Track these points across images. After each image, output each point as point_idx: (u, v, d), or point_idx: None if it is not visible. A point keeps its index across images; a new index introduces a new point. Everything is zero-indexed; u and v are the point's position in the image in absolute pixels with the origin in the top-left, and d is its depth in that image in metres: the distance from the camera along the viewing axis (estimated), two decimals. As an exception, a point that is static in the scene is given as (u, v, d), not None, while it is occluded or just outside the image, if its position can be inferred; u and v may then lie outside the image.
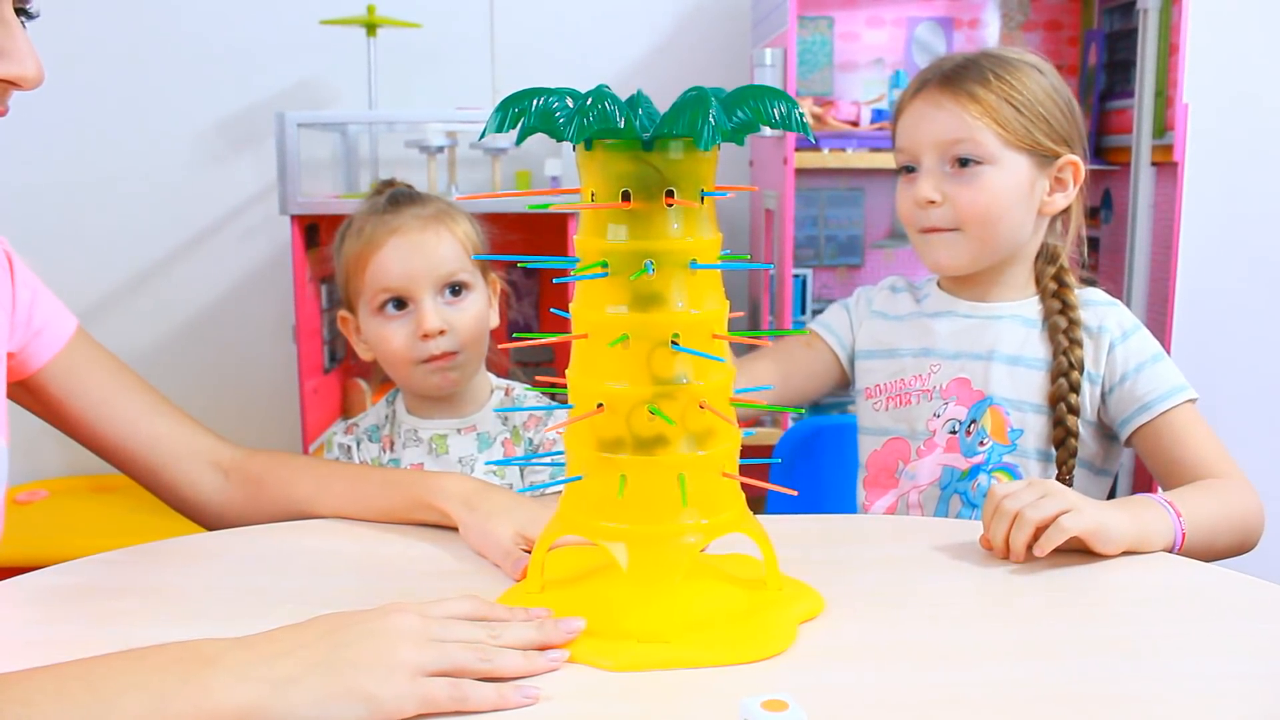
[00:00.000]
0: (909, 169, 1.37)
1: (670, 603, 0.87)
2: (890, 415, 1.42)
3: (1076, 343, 1.34)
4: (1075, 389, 1.33)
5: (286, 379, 2.58)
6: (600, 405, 0.85)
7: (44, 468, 2.65)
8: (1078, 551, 1.03)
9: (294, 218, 2.23)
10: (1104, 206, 2.47)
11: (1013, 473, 1.34)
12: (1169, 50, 2.17)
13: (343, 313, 1.46)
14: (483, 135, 0.84)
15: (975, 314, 1.40)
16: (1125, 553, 1.04)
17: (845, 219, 2.65)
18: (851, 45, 2.57)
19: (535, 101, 0.82)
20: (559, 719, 0.77)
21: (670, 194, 0.83)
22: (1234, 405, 2.34)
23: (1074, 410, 1.33)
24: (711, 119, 0.77)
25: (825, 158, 2.32)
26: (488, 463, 1.41)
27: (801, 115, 0.83)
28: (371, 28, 2.43)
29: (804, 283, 2.44)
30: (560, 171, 2.38)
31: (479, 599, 0.86)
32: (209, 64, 2.62)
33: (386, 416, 1.47)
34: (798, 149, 2.22)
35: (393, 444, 1.44)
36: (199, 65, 2.62)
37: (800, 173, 2.28)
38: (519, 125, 0.83)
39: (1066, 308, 1.36)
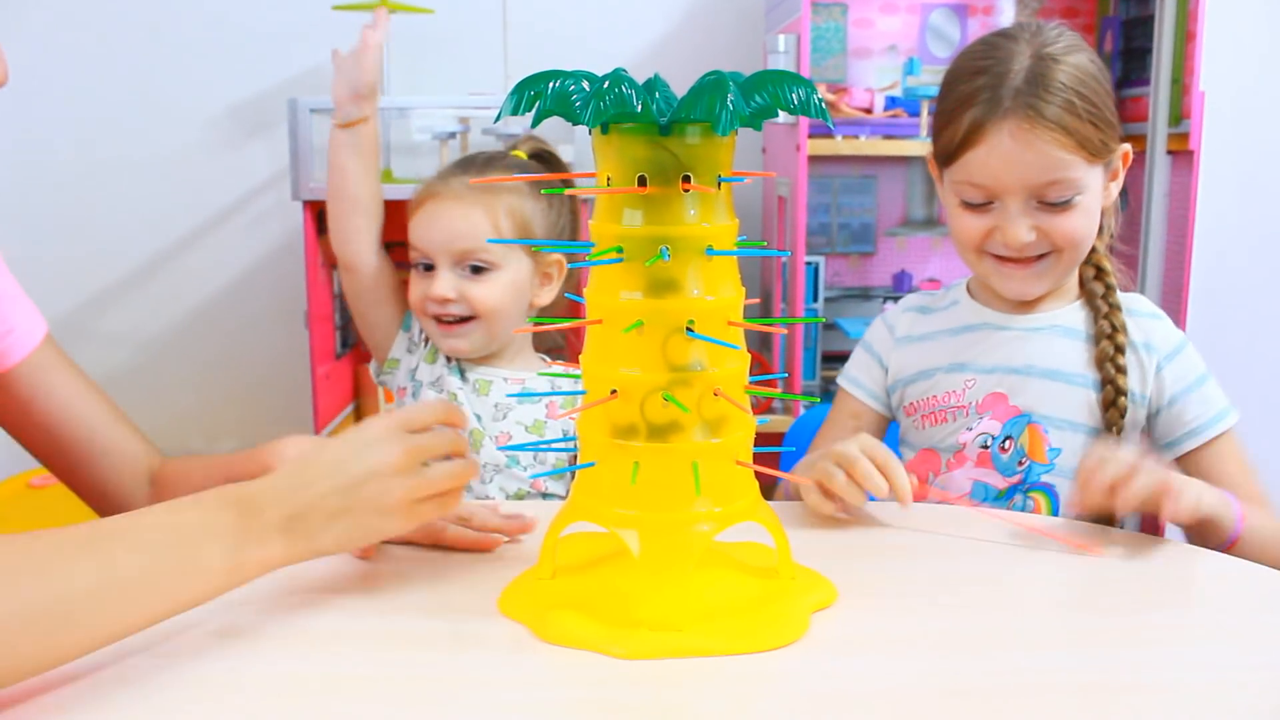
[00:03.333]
0: (977, 202, 1.27)
1: (683, 591, 0.86)
2: (926, 434, 1.36)
3: (1121, 351, 1.28)
4: (1122, 412, 1.27)
5: (298, 364, 2.57)
6: (614, 391, 0.85)
7: (56, 452, 2.65)
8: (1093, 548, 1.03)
9: (306, 203, 2.23)
10: (1119, 194, 2.45)
11: (1050, 494, 1.28)
12: (1186, 37, 2.16)
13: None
14: (498, 118, 0.84)
15: (1011, 326, 1.33)
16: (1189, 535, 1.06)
17: (858, 206, 2.64)
18: (865, 32, 2.55)
19: (551, 84, 0.81)
20: (569, 705, 0.77)
21: (687, 179, 0.82)
22: (1249, 394, 2.31)
23: (1122, 415, 1.27)
24: (730, 103, 0.76)
25: (838, 145, 2.31)
26: (505, 447, 1.42)
27: (820, 100, 0.82)
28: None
29: (816, 270, 2.43)
30: (572, 158, 2.37)
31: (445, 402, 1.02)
32: (221, 49, 2.61)
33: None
34: (811, 136, 2.21)
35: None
36: (211, 50, 2.61)
37: (813, 159, 2.27)
38: (535, 108, 0.82)
39: (1113, 319, 1.29)
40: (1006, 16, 2.53)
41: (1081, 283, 1.34)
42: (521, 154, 1.54)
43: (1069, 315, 1.33)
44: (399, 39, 2.52)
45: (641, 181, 0.82)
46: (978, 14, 2.53)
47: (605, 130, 0.82)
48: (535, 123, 0.85)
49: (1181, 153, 2.18)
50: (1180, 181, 2.18)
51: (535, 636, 0.85)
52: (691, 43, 2.62)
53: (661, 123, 0.80)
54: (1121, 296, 1.33)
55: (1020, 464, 1.29)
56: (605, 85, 0.77)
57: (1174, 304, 2.17)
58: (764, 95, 0.82)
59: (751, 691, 0.78)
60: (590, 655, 0.82)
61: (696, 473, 0.83)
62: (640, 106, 0.78)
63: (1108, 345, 1.28)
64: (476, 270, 1.42)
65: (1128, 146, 1.31)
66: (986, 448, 1.30)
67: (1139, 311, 1.33)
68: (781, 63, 2.26)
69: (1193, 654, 0.84)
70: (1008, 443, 1.29)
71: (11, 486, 2.47)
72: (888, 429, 1.43)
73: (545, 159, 1.57)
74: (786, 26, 2.31)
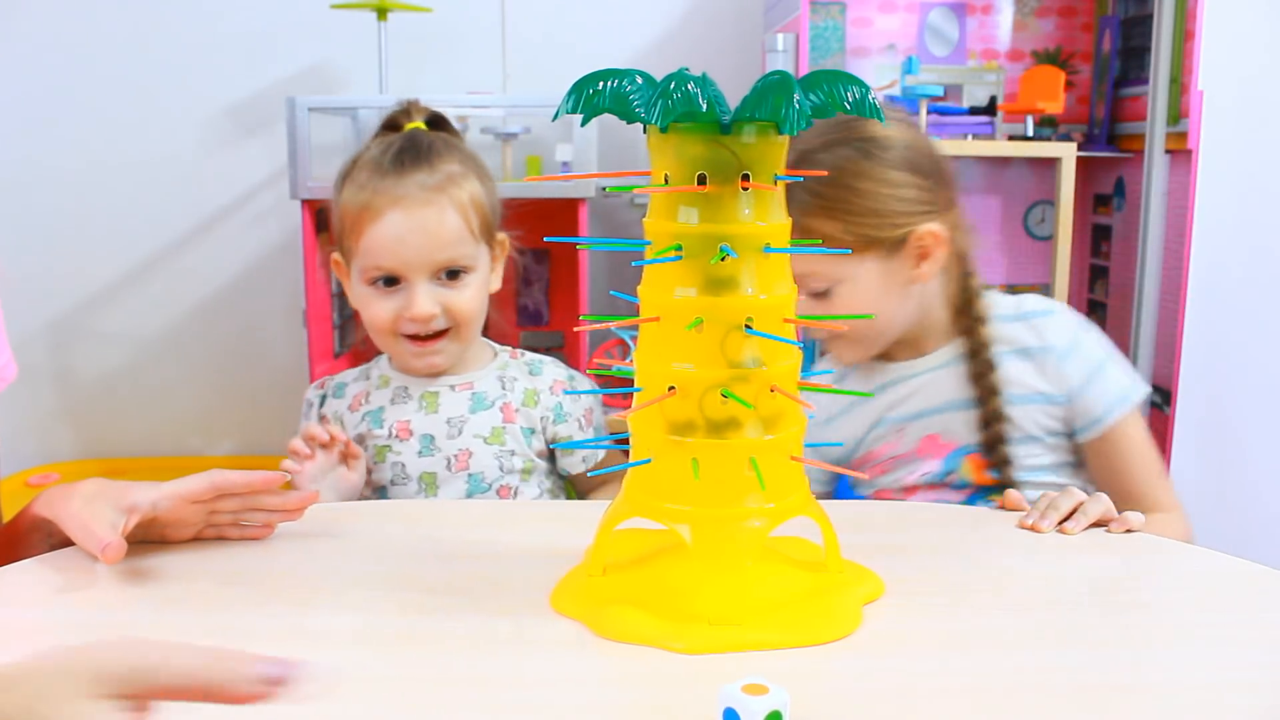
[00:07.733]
0: None
1: (740, 586, 0.87)
2: (875, 481, 1.38)
3: (993, 391, 1.30)
4: (1002, 439, 1.30)
5: (297, 363, 2.57)
6: (672, 388, 0.85)
7: (55, 451, 2.65)
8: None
9: (305, 202, 2.24)
10: (1117, 194, 2.47)
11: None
12: (1184, 36, 2.18)
13: (336, 255, 1.38)
14: (556, 116, 0.84)
15: (914, 372, 1.36)
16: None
17: (856, 205, 2.65)
18: (864, 31, 2.56)
19: (609, 84, 0.82)
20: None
21: (746, 178, 0.83)
22: (1245, 395, 2.34)
23: (1005, 460, 1.31)
24: (797, 103, 0.77)
25: (838, 143, 2.31)
26: (556, 444, 1.38)
27: (875, 100, 0.83)
28: (382, 11, 2.42)
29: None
30: (571, 157, 2.37)
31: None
32: (220, 48, 2.61)
33: (364, 374, 1.41)
34: (811, 135, 2.22)
35: (368, 397, 1.38)
36: (210, 50, 2.61)
37: (813, 158, 2.27)
38: (592, 106, 0.82)
39: (978, 347, 1.32)
40: (1005, 15, 2.55)
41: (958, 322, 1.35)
42: (421, 125, 1.39)
43: (950, 352, 1.35)
44: (397, 38, 2.52)
45: (701, 180, 0.83)
46: (976, 13, 2.54)
47: (664, 129, 0.82)
48: (585, 120, 0.85)
49: (1180, 152, 2.19)
50: (1179, 181, 2.20)
51: (592, 633, 0.86)
52: (690, 41, 2.63)
53: (723, 122, 0.81)
54: (1012, 298, 1.35)
55: (967, 491, 1.33)
56: (671, 85, 0.78)
57: (1172, 303, 2.19)
58: (819, 94, 0.83)
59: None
60: (649, 650, 0.83)
61: (757, 468, 0.84)
62: (705, 105, 0.78)
63: (973, 365, 1.31)
64: (452, 275, 1.31)
65: (932, 227, 1.28)
66: (933, 485, 1.34)
67: (1031, 312, 1.34)
68: (780, 62, 2.27)
69: (1192, 654, 0.84)
70: (950, 476, 1.33)
71: (10, 485, 2.46)
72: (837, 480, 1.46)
73: (442, 124, 1.43)
74: (785, 25, 2.33)
